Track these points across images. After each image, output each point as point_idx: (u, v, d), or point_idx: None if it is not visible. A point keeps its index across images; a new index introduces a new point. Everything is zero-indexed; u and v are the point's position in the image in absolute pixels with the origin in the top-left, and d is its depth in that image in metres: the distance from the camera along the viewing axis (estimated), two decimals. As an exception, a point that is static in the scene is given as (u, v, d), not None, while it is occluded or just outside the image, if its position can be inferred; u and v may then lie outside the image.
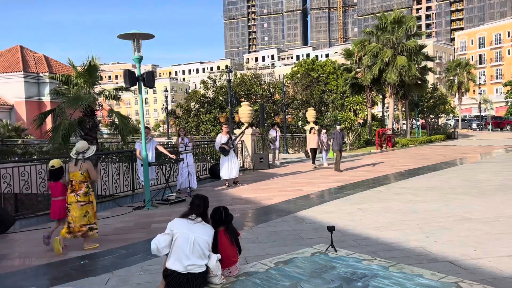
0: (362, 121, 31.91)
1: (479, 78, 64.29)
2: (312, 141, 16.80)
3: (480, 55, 74.63)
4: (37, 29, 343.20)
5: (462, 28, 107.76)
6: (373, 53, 29.05)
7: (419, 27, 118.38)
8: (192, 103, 40.81)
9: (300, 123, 37.13)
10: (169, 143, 21.31)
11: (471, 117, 61.64)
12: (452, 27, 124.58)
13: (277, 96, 39.07)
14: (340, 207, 8.78)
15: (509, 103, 56.81)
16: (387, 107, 37.43)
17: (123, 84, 10.57)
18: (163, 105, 41.27)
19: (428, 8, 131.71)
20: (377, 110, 48.06)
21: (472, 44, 76.27)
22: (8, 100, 36.44)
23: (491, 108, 66.88)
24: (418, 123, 37.67)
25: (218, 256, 4.35)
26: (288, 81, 42.86)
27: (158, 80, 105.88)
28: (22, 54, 37.87)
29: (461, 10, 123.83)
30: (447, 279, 4.28)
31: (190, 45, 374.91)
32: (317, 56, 75.95)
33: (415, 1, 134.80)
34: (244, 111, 16.57)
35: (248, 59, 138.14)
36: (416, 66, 29.55)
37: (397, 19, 29.43)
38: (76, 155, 6.36)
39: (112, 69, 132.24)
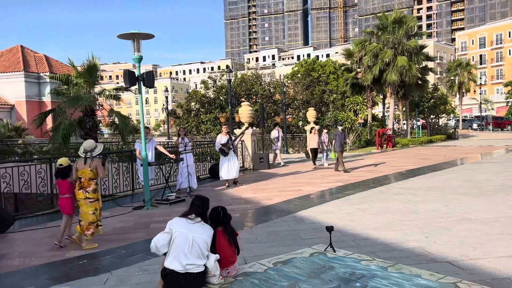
0: (362, 121, 31.91)
1: (480, 78, 64.21)
2: (312, 141, 16.78)
3: (481, 55, 74.57)
4: (38, 29, 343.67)
5: (463, 28, 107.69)
6: (373, 53, 29.03)
7: (420, 27, 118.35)
8: (193, 103, 40.84)
9: (300, 123, 37.14)
10: (169, 143, 21.31)
11: (472, 117, 61.62)
12: (453, 27, 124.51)
13: (278, 96, 39.09)
14: (339, 207, 8.77)
15: (509, 103, 56.76)
16: (388, 107, 37.44)
17: (123, 84, 10.57)
18: (163, 105, 41.29)
19: (429, 8, 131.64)
20: (378, 110, 48.04)
21: (473, 44, 76.22)
22: (9, 100, 36.49)
23: (492, 109, 66.84)
24: (419, 123, 37.66)
25: (217, 256, 4.35)
26: (289, 81, 42.87)
27: (158, 80, 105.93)
28: (23, 54, 37.91)
29: (462, 10, 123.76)
30: (446, 280, 4.28)
31: (191, 45, 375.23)
32: (317, 56, 75.89)
33: (416, 1, 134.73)
34: (244, 111, 16.57)
35: (249, 59, 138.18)
36: (417, 66, 29.53)
37: (398, 19, 29.41)
38: (84, 153, 6.49)
39: (112, 69, 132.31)
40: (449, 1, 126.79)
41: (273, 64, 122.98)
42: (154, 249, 4.31)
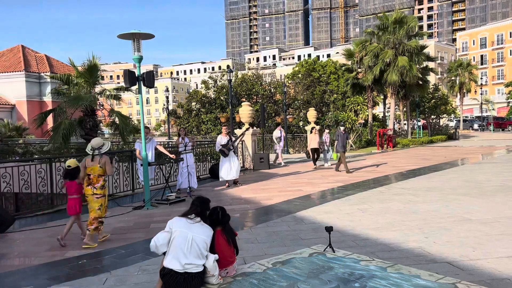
0: (363, 121, 31.88)
1: (481, 78, 64.17)
2: (313, 141, 16.74)
3: (481, 56, 74.53)
4: (38, 29, 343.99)
5: (464, 29, 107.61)
6: (374, 54, 29.01)
7: (421, 27, 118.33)
8: (193, 103, 40.85)
9: (301, 123, 37.12)
10: (170, 143, 21.31)
11: (473, 117, 61.55)
12: (454, 28, 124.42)
13: (278, 96, 39.08)
14: (339, 208, 8.76)
15: (510, 104, 56.70)
16: (388, 108, 37.41)
17: (124, 84, 10.56)
18: (164, 105, 41.30)
19: (430, 9, 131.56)
20: (379, 110, 48.01)
21: (473, 44, 76.17)
22: (10, 100, 36.52)
23: (493, 109, 66.79)
24: (420, 123, 37.62)
25: (216, 256, 4.35)
26: (289, 81, 42.86)
27: (159, 80, 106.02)
28: (24, 53, 37.95)
29: (463, 10, 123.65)
30: (445, 280, 4.27)
31: (192, 45, 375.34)
32: (318, 56, 75.85)
33: (416, 2, 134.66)
34: (245, 111, 16.57)
35: (250, 59, 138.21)
36: (417, 66, 29.50)
37: (398, 19, 29.39)
38: (92, 151, 6.64)
39: (113, 69, 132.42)
40: (450, 1, 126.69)
41: (274, 64, 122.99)
42: (154, 248, 4.32)
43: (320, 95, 38.69)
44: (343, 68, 36.64)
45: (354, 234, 6.68)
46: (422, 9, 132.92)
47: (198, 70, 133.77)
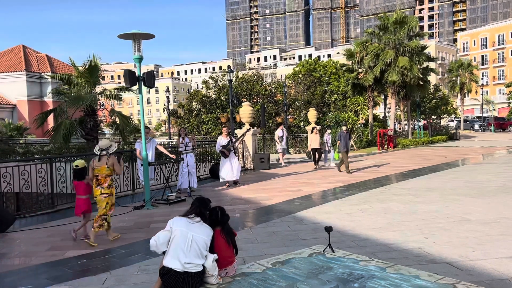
0: (363, 121, 31.88)
1: (482, 79, 64.14)
2: (314, 141, 16.69)
3: (482, 56, 74.48)
4: (40, 29, 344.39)
5: (464, 29, 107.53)
6: (375, 54, 29.00)
7: (422, 27, 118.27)
8: (194, 103, 40.87)
9: (301, 123, 37.14)
10: (170, 143, 21.32)
11: (473, 118, 61.52)
12: (455, 28, 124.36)
13: (279, 96, 39.09)
14: (339, 208, 8.76)
15: (511, 104, 56.65)
16: (389, 108, 37.38)
17: (124, 84, 10.58)
18: (164, 105, 41.36)
19: (431, 9, 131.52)
20: (379, 110, 48.02)
21: (474, 45, 76.11)
22: (11, 100, 36.55)
23: (494, 109, 66.71)
24: (420, 123, 37.61)
25: (215, 256, 4.36)
26: (290, 81, 42.89)
27: (160, 80, 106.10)
28: (25, 53, 37.97)
29: (464, 10, 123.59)
30: (444, 281, 4.27)
31: (193, 45, 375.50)
32: (319, 57, 75.88)
33: (417, 2, 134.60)
34: (245, 111, 16.57)
35: (250, 59, 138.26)
36: (418, 66, 29.49)
37: (399, 20, 29.38)
38: (99, 151, 6.77)
39: (114, 69, 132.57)
40: (451, 2, 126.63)
41: (275, 64, 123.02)
42: (154, 247, 4.33)
43: (321, 95, 38.70)
44: (343, 68, 36.64)
45: (354, 234, 6.68)
46: (423, 9, 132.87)
47: (199, 70, 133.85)
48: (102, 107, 16.59)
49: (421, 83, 31.09)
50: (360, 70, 31.84)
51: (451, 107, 53.90)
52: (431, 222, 7.28)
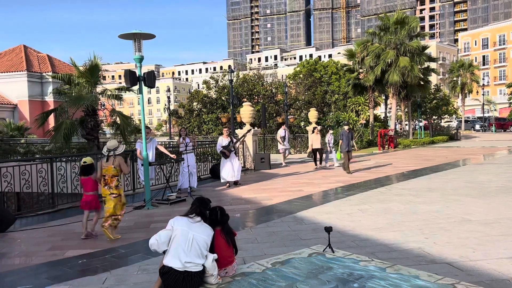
0: (364, 121, 31.86)
1: (483, 79, 64.13)
2: (315, 141, 16.66)
3: (483, 56, 74.40)
4: (40, 29, 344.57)
5: (465, 29, 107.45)
6: (375, 54, 28.99)
7: (423, 28, 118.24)
8: (195, 103, 40.86)
9: (302, 123, 37.13)
10: (171, 143, 21.33)
11: (474, 118, 61.43)
12: (456, 28, 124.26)
13: (280, 97, 39.07)
14: (340, 208, 8.76)
15: (512, 104, 56.60)
16: (390, 108, 37.39)
17: (125, 84, 10.59)
18: (165, 105, 41.39)
19: (432, 9, 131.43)
20: (380, 111, 47.99)
21: (475, 45, 76.04)
22: (12, 100, 36.59)
23: (495, 109, 66.65)
24: (421, 124, 37.58)
25: (215, 256, 4.36)
26: (291, 82, 42.88)
27: (161, 80, 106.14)
28: (26, 53, 38.01)
29: (465, 11, 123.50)
30: (444, 281, 4.27)
31: (193, 45, 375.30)
32: (320, 57, 75.91)
33: (418, 2, 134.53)
34: (246, 111, 16.58)
35: (251, 59, 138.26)
36: (419, 67, 29.48)
37: (400, 20, 29.37)
38: (107, 152, 6.91)
39: (115, 69, 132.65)
40: (452, 2, 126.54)
41: (275, 65, 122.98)
42: (155, 246, 4.33)
43: (322, 95, 38.69)
44: (344, 68, 36.63)
45: (354, 234, 6.68)
46: (424, 9, 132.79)
47: (200, 70, 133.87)
48: (103, 107, 16.60)
49: (422, 83, 31.07)
50: (361, 70, 31.83)
51: (452, 108, 53.86)
52: (431, 223, 7.27)
